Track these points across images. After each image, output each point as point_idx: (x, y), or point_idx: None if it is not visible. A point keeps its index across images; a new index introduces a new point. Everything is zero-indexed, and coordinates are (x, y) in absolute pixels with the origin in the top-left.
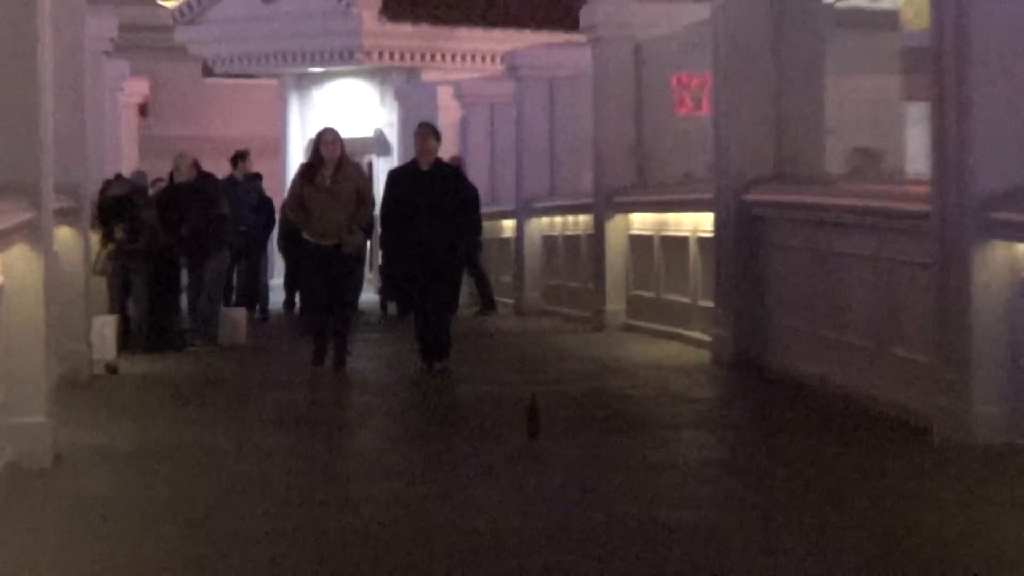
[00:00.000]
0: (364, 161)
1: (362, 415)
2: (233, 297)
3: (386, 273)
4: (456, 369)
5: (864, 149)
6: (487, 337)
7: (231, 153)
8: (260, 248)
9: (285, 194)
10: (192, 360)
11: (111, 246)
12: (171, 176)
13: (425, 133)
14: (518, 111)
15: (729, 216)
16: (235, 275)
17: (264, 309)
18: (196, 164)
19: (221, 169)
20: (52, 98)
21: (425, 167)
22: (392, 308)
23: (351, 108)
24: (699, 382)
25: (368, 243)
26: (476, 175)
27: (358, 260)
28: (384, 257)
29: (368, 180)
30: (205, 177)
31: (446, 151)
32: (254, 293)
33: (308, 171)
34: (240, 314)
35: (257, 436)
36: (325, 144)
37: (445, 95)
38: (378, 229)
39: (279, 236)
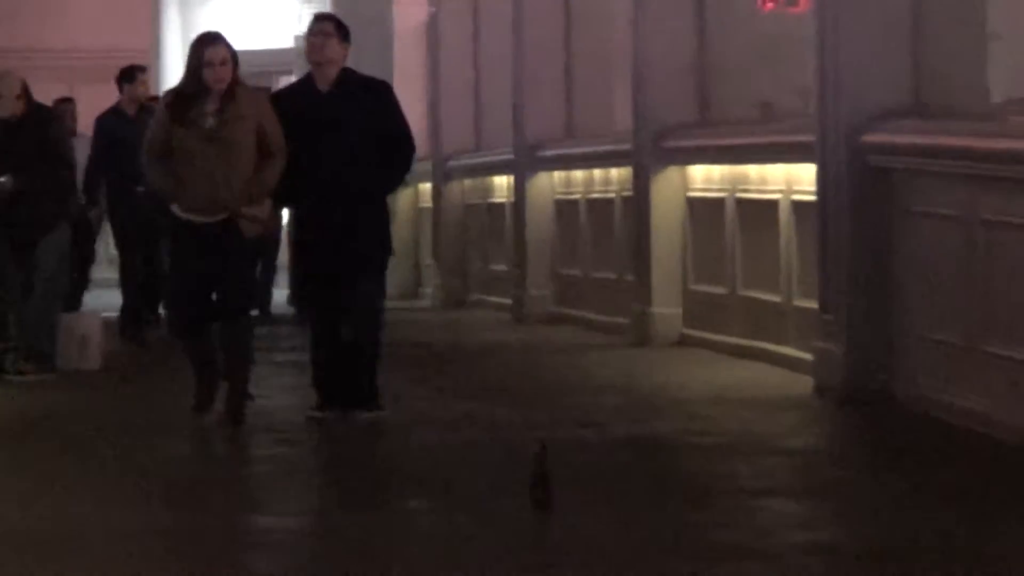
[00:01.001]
0: (280, 86)
1: (279, 477)
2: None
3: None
4: (423, 406)
5: None
6: (469, 356)
7: (81, 74)
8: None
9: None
10: (14, 394)
11: None
12: None
13: (324, 31)
14: (516, 10)
15: (841, 169)
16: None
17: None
18: (26, 91)
19: (75, 99)
20: None
21: (325, 86)
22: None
23: (260, 6)
24: (794, 424)
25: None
26: (453, 107)
27: (269, 243)
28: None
29: (272, 112)
30: (38, 110)
31: (406, 71)
32: (153, 288)
33: (178, 105)
34: (91, 324)
35: (118, 513)
36: (210, 67)
37: None
38: None
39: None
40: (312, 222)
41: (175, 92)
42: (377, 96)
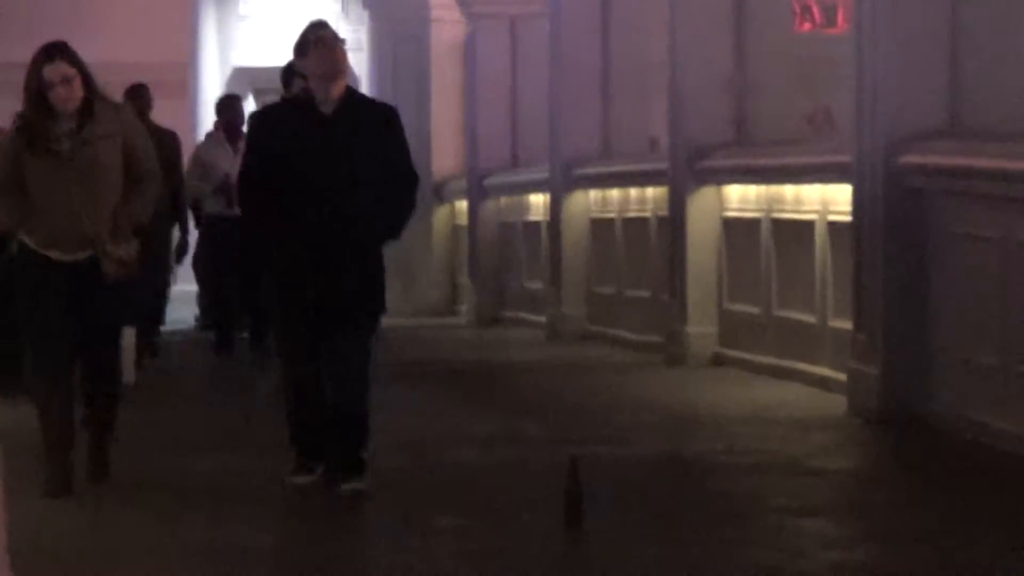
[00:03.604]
0: None
1: (308, 494)
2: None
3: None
4: (456, 423)
5: None
6: (503, 374)
7: (118, 88)
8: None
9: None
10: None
11: None
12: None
13: (331, 39)
14: (553, 27)
15: (877, 189)
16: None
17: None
18: None
19: None
20: None
21: (328, 107)
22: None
23: (297, 23)
24: (828, 444)
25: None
26: (489, 125)
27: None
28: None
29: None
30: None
31: (443, 88)
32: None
33: (28, 130)
34: (127, 339)
35: (142, 529)
36: (52, 88)
37: (441, 2)
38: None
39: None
40: (294, 267)
41: (22, 116)
42: (384, 122)
